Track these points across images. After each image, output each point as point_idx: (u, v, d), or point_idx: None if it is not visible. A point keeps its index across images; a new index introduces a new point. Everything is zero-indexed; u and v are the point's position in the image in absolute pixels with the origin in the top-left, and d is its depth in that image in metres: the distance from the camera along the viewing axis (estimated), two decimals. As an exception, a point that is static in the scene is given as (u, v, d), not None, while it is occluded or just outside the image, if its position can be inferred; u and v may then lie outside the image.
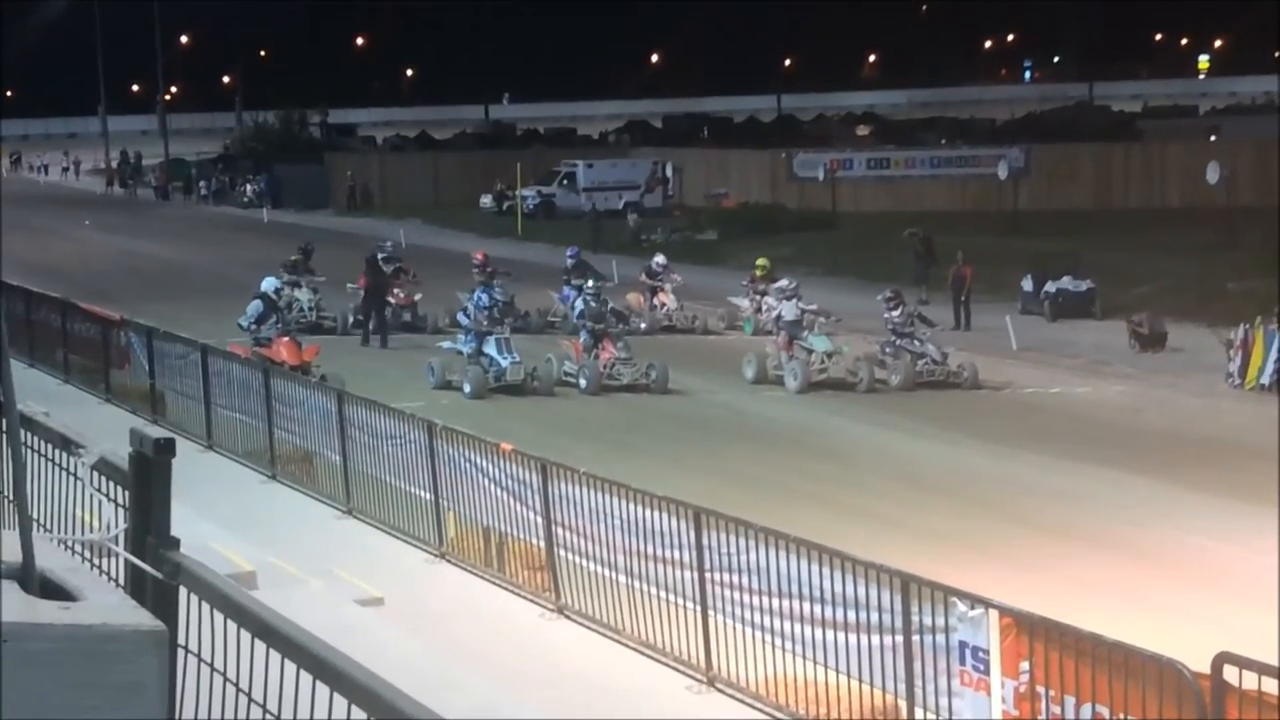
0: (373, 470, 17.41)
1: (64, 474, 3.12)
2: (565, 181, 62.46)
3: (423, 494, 16.41)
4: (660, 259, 35.01)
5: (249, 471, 19.52)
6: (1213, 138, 65.62)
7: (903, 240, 39.24)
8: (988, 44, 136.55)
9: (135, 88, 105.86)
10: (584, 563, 14.15)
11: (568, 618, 14.18)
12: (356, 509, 17.54)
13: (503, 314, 27.34)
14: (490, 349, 26.07)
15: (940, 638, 10.86)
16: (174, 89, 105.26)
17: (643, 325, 32.10)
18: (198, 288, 38.92)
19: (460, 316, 27.57)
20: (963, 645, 10.70)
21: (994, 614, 10.51)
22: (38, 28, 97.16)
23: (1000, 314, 32.03)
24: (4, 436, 2.77)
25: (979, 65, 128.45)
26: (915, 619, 10.98)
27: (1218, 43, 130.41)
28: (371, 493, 17.36)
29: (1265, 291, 29.95)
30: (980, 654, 10.56)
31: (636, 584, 13.48)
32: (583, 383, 26.07)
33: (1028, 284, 35.11)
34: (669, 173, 64.09)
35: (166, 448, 2.61)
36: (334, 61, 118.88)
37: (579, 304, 28.60)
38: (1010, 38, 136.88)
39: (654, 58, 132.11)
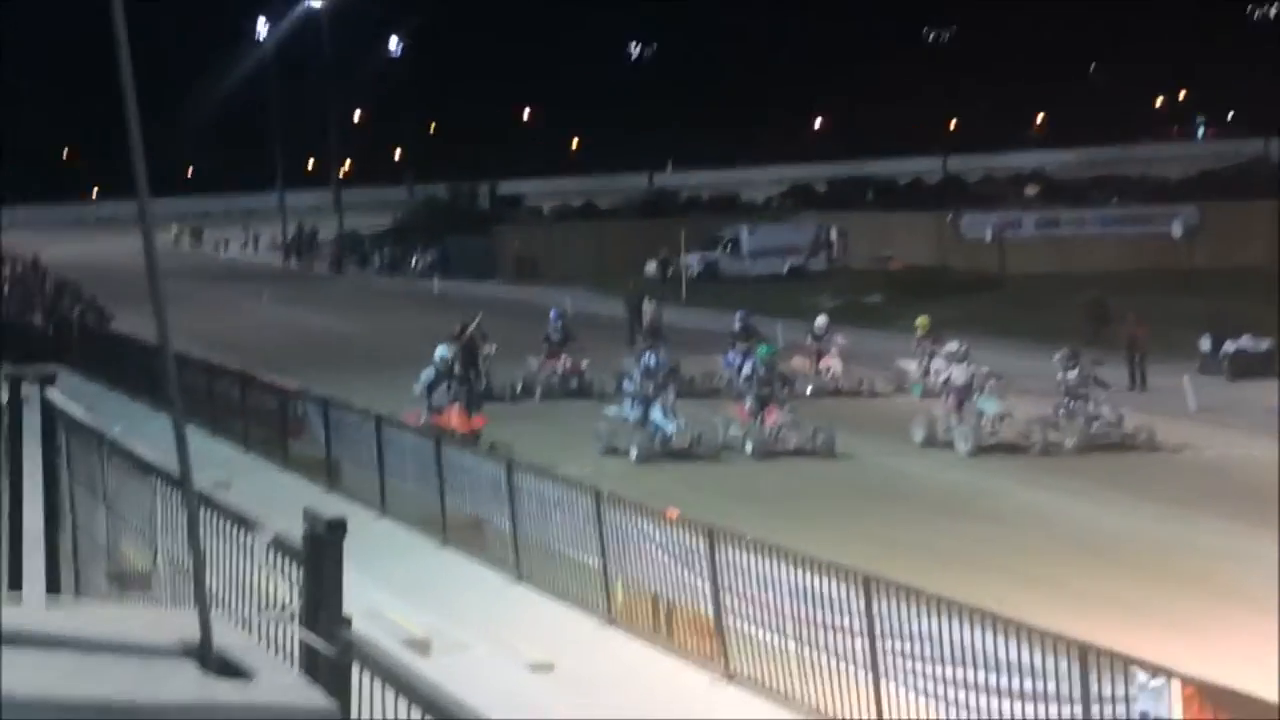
0: (542, 537, 17.52)
1: (241, 551, 3.20)
2: (729, 246, 62.58)
3: (591, 560, 16.47)
4: (822, 320, 34.90)
5: (421, 539, 19.76)
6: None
7: (1082, 306, 38.62)
8: (1158, 101, 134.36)
9: (310, 163, 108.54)
10: (753, 629, 14.07)
11: (737, 684, 14.09)
12: (526, 575, 17.65)
13: (668, 379, 27.40)
14: (656, 414, 26.14)
15: (1120, 708, 10.60)
16: (347, 163, 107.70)
17: (809, 389, 31.97)
18: (371, 358, 39.59)
19: (626, 383, 27.72)
20: (1144, 716, 10.43)
21: (1176, 684, 10.24)
22: (216, 106, 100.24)
23: (1177, 374, 31.33)
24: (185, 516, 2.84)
25: (1149, 123, 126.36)
26: (1094, 688, 10.74)
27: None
28: (541, 559, 17.46)
29: None
30: (1162, 725, 10.29)
31: (806, 650, 13.37)
32: (749, 447, 25.99)
33: (1205, 343, 34.34)
34: (834, 236, 63.90)
35: (338, 528, 2.67)
36: (500, 133, 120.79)
37: (745, 368, 28.57)
38: (1182, 95, 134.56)
39: (817, 122, 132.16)
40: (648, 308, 40.25)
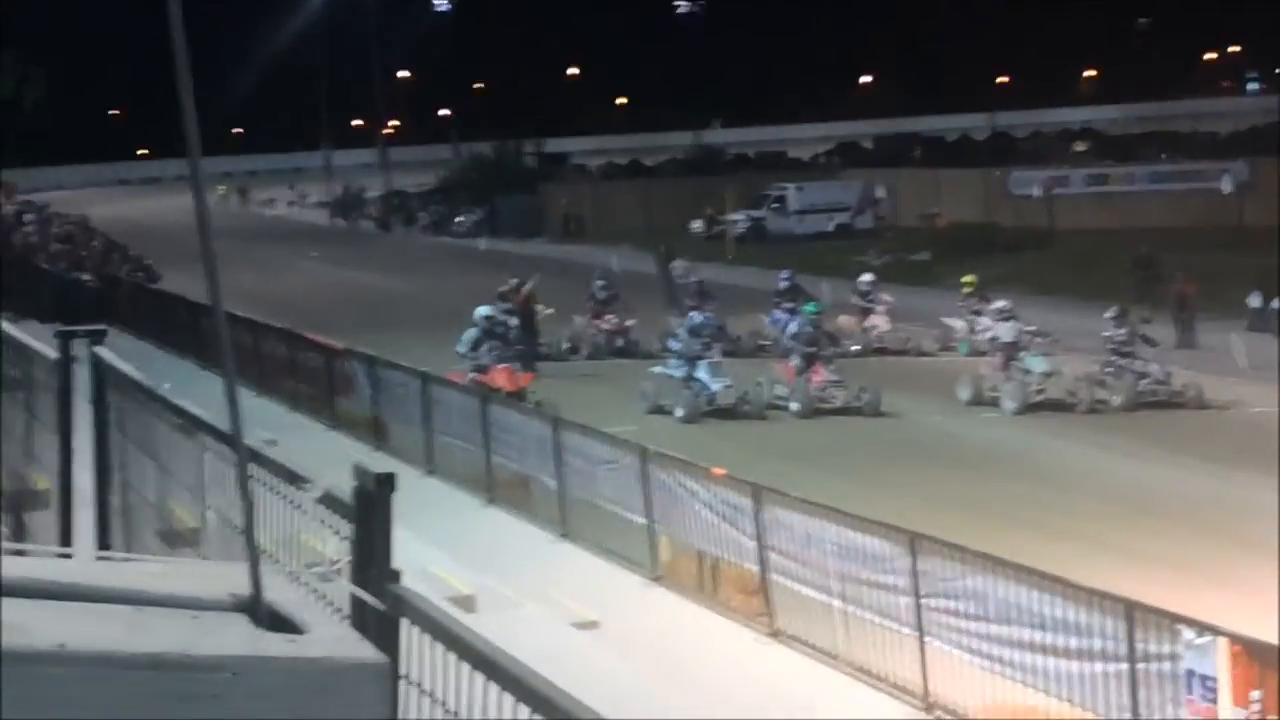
0: (587, 495, 17.58)
1: (291, 507, 3.23)
2: (776, 205, 62.38)
3: (637, 518, 16.52)
4: (868, 278, 34.77)
5: (467, 497, 19.86)
6: None
7: (1132, 260, 38.33)
8: (1208, 56, 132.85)
9: (357, 123, 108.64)
10: (798, 587, 14.10)
11: (782, 642, 14.13)
12: (572, 533, 17.72)
13: (714, 338, 27.38)
14: (702, 373, 26.14)
15: (1166, 665, 10.58)
16: (394, 123, 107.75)
17: (855, 347, 31.89)
18: (418, 316, 39.69)
19: (672, 341, 27.69)
20: (1190, 674, 10.41)
21: (1223, 641, 10.21)
22: (264, 66, 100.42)
23: (1225, 332, 31.11)
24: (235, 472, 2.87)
25: (1200, 78, 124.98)
26: (1140, 646, 10.72)
27: None
28: (586, 517, 17.52)
29: None
30: (1209, 683, 10.27)
31: (851, 609, 13.39)
32: (795, 406, 25.98)
33: (1255, 300, 34.05)
34: (880, 194, 63.60)
35: (387, 483, 2.69)
36: (547, 92, 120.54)
37: (791, 326, 28.52)
38: (1233, 49, 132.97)
39: (864, 79, 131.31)
40: (677, 266, 40.17)
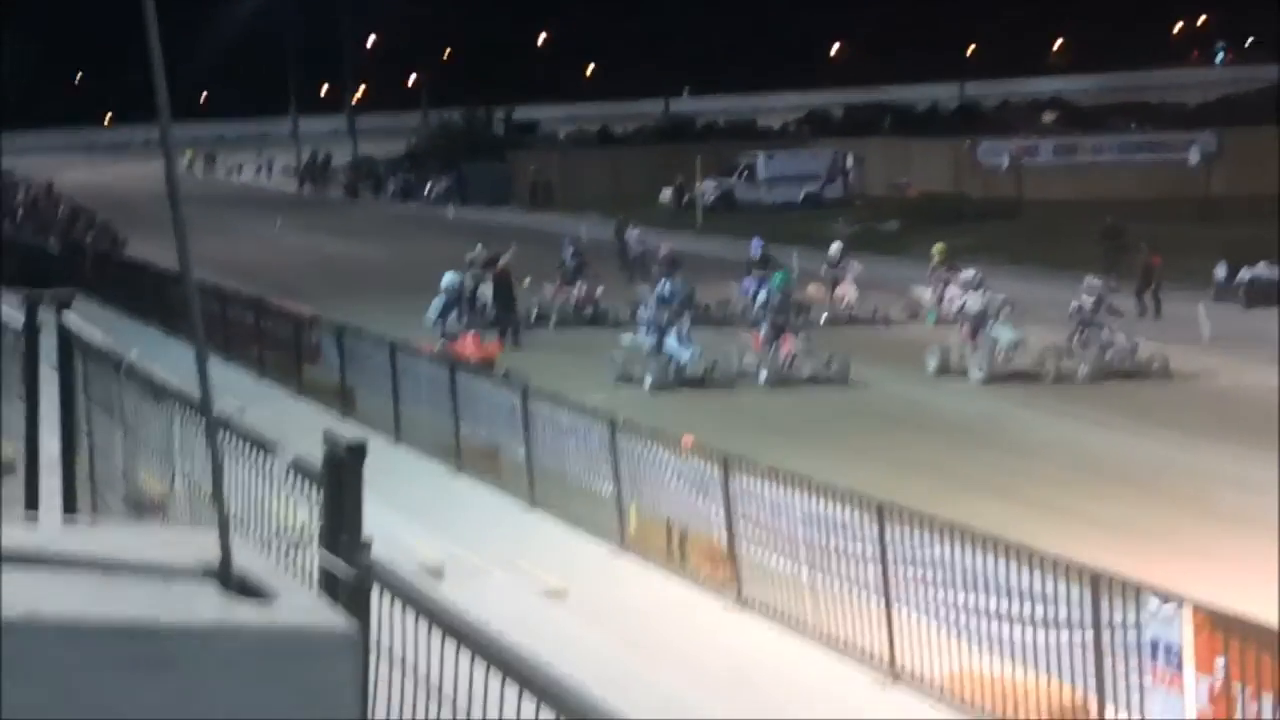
0: (556, 464, 17.59)
1: (260, 474, 3.22)
2: (745, 174, 62.35)
3: (605, 487, 16.54)
4: (837, 248, 34.82)
5: (436, 465, 19.85)
6: None
7: (1099, 230, 38.46)
8: (1178, 27, 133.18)
9: (324, 89, 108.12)
10: (766, 556, 14.15)
11: (750, 611, 14.18)
12: (540, 502, 17.74)
13: (683, 307, 27.39)
14: (671, 342, 26.15)
15: (1131, 634, 10.66)
16: (361, 89, 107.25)
17: (823, 317, 31.95)
18: (386, 284, 39.62)
19: (641, 310, 27.69)
20: (1155, 642, 10.49)
21: (1187, 610, 10.29)
22: (230, 31, 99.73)
23: (1192, 302, 31.27)
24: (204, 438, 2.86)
25: (1169, 49, 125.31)
26: (1105, 615, 10.79)
27: None
28: (555, 486, 17.54)
29: None
30: (1173, 651, 10.35)
31: (819, 577, 13.45)
32: (763, 375, 26.02)
33: (1221, 271, 34.22)
34: (850, 163, 63.64)
35: (358, 451, 2.68)
36: (516, 59, 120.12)
37: (760, 296, 28.55)
38: (1201, 20, 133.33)
39: (834, 48, 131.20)
40: (631, 236, 40.20)
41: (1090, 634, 10.91)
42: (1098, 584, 10.83)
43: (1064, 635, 11.17)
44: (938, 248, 34.06)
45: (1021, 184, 54.17)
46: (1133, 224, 37.88)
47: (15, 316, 6.04)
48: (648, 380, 25.54)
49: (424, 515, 16.66)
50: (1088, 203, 47.77)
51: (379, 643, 2.54)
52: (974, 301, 27.00)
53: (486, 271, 32.72)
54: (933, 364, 26.60)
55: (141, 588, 2.18)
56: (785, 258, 36.03)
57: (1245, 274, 33.67)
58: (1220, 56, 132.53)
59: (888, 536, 12.72)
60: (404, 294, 33.82)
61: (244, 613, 2.11)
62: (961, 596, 12.09)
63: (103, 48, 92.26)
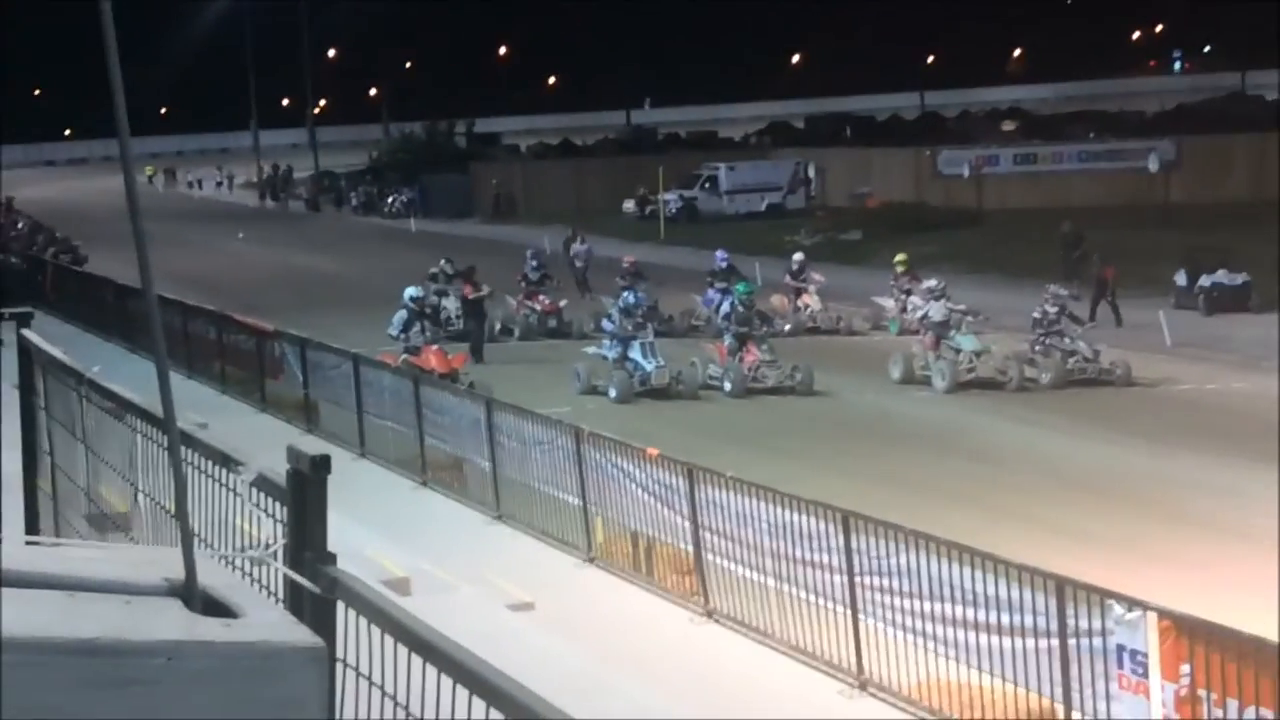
0: (521, 476, 17.55)
1: (224, 490, 3.19)
2: (707, 185, 62.44)
3: (571, 499, 16.51)
4: (799, 258, 34.91)
5: (401, 479, 19.78)
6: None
7: (1058, 237, 38.64)
8: (1135, 35, 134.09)
9: (285, 102, 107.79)
10: (732, 567, 14.14)
11: (717, 622, 14.17)
12: (506, 514, 17.70)
13: (647, 318, 27.42)
14: (635, 353, 26.17)
15: (1097, 641, 10.69)
16: (322, 102, 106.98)
17: (787, 327, 32.01)
18: (348, 298, 39.52)
19: (605, 322, 27.68)
20: (1120, 648, 10.52)
21: (1152, 616, 10.33)
22: (190, 45, 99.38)
23: (1153, 309, 31.45)
24: (167, 454, 2.84)
25: (1127, 57, 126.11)
26: (1071, 622, 10.82)
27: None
28: (521, 498, 17.50)
29: None
30: (1139, 657, 10.38)
31: (785, 588, 13.44)
32: (727, 386, 26.05)
33: (1181, 278, 34.44)
34: (811, 173, 63.81)
35: (322, 465, 2.66)
36: (477, 71, 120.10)
37: (724, 307, 28.59)
38: (1159, 29, 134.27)
39: (795, 58, 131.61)
40: (578, 249, 40.25)
41: (1056, 641, 10.94)
42: (1063, 591, 10.86)
43: (1030, 642, 11.19)
44: (900, 257, 34.20)
45: (982, 193, 54.41)
46: (1092, 232, 38.08)
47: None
48: (612, 392, 25.55)
49: (389, 529, 16.59)
50: (1048, 210, 47.96)
51: (345, 658, 2.52)
52: (936, 310, 27.11)
53: (454, 284, 32.67)
54: (896, 373, 26.68)
55: (106, 607, 2.17)
56: (748, 268, 36.11)
57: (1205, 280, 33.88)
58: (1178, 65, 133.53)
59: (854, 545, 12.73)
60: (366, 307, 33.74)
61: (209, 630, 2.09)
62: (928, 605, 12.11)
63: (62, 63, 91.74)
